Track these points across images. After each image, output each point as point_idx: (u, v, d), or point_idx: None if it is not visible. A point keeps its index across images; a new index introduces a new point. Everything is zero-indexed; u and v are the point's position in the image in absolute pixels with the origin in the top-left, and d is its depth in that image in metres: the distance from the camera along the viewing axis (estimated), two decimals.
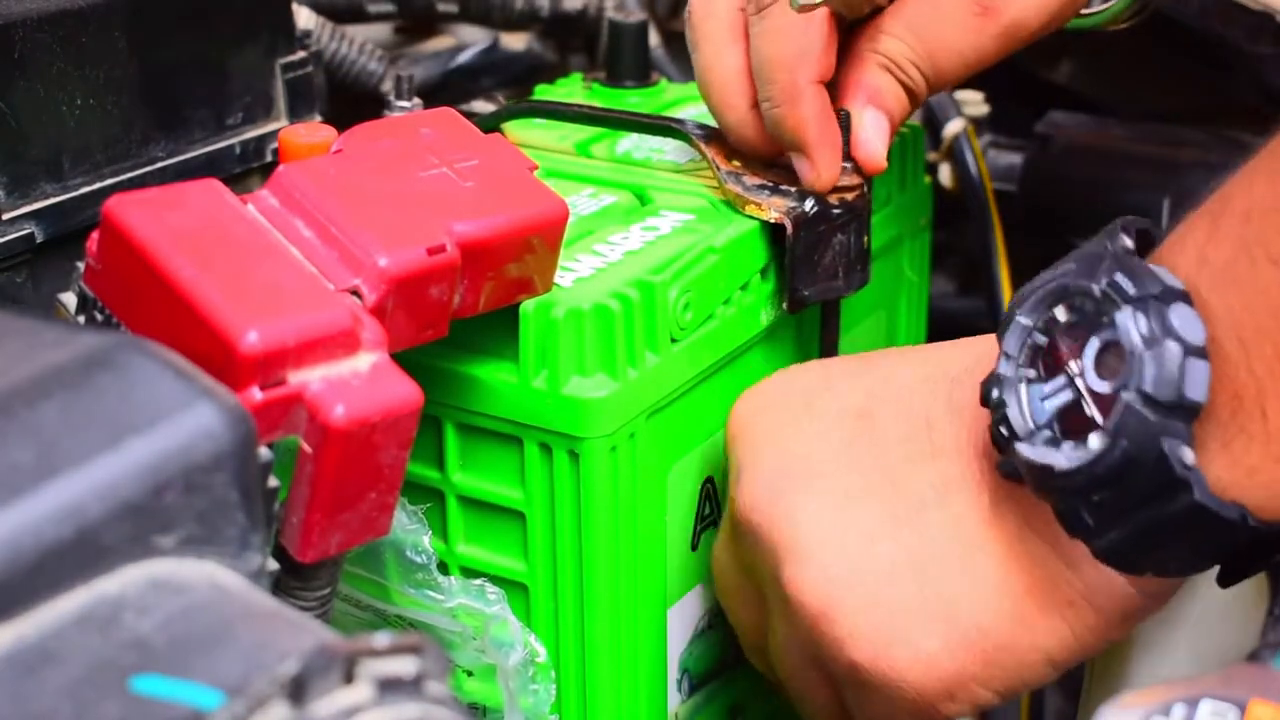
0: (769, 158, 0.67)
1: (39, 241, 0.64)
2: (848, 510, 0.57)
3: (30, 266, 0.65)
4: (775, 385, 0.62)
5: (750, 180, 0.66)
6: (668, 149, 0.72)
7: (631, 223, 0.65)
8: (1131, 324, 0.48)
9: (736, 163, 0.67)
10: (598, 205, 0.67)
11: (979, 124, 0.89)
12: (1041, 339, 0.52)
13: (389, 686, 0.36)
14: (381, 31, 0.95)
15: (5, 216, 0.63)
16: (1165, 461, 0.47)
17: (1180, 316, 0.48)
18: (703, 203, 0.66)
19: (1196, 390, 0.47)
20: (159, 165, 0.69)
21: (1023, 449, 0.51)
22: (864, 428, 0.58)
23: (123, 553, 0.40)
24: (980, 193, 0.82)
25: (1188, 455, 0.47)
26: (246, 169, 0.73)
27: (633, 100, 0.77)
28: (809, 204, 0.64)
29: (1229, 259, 0.47)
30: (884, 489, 0.57)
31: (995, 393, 0.52)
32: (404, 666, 0.36)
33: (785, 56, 0.63)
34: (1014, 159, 0.89)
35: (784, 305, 0.65)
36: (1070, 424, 0.50)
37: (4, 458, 0.39)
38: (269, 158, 0.73)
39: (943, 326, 0.84)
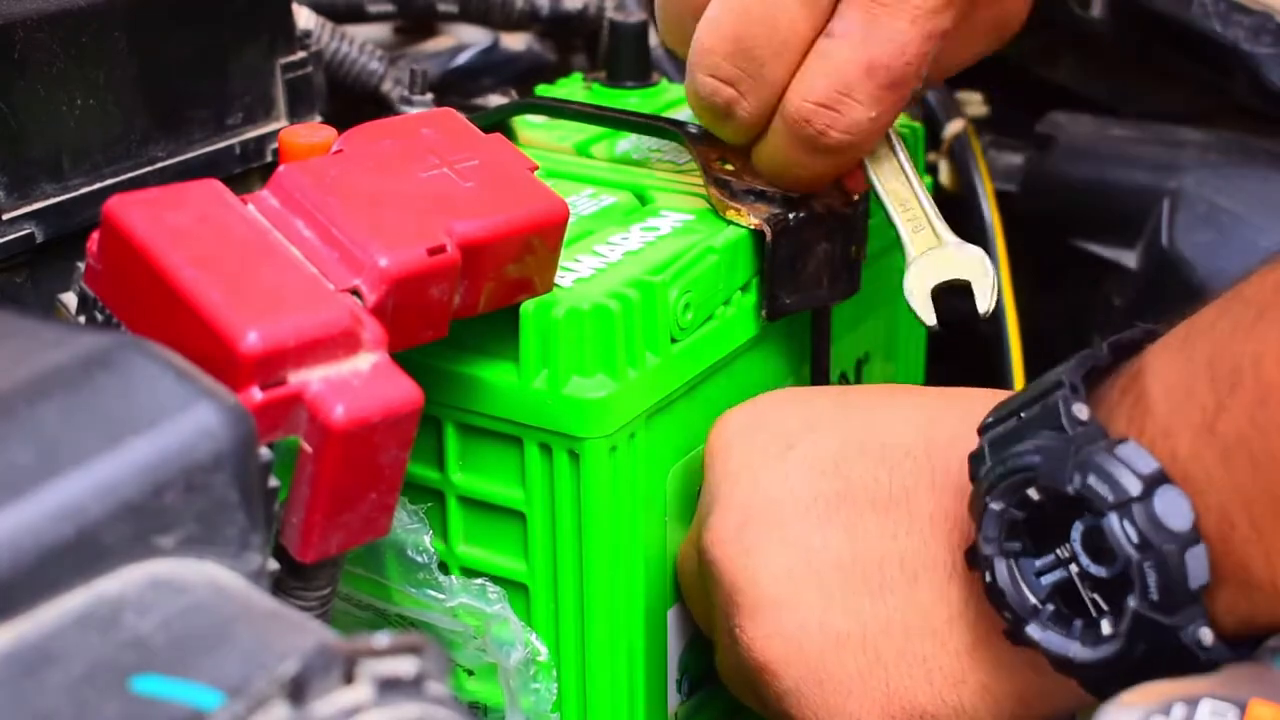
0: None
1: (39, 241, 0.64)
2: (809, 572, 0.56)
3: (30, 266, 0.64)
4: (760, 411, 0.61)
5: (739, 184, 0.65)
6: (667, 149, 0.72)
7: (631, 223, 0.65)
8: (1120, 531, 0.46)
9: (731, 165, 0.66)
10: (598, 205, 0.67)
11: (979, 124, 0.89)
12: (1018, 514, 0.50)
13: (389, 686, 0.36)
14: (381, 31, 0.95)
15: (5, 216, 0.63)
16: (1187, 650, 0.46)
17: (1166, 507, 0.46)
18: (703, 203, 0.66)
19: (1199, 577, 0.46)
20: (159, 165, 0.69)
21: (1034, 633, 0.50)
22: (839, 486, 0.57)
23: (123, 553, 0.40)
24: (980, 193, 0.82)
25: (1206, 636, 0.46)
26: (246, 169, 0.73)
27: (633, 100, 0.77)
28: (792, 212, 0.64)
29: (1241, 437, 0.45)
30: (849, 556, 0.56)
31: (987, 576, 0.51)
32: (404, 666, 0.36)
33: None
34: (1014, 159, 0.89)
35: (763, 313, 0.64)
36: (1074, 599, 0.49)
37: (4, 458, 0.39)
38: (269, 158, 0.73)
39: (943, 326, 0.84)
